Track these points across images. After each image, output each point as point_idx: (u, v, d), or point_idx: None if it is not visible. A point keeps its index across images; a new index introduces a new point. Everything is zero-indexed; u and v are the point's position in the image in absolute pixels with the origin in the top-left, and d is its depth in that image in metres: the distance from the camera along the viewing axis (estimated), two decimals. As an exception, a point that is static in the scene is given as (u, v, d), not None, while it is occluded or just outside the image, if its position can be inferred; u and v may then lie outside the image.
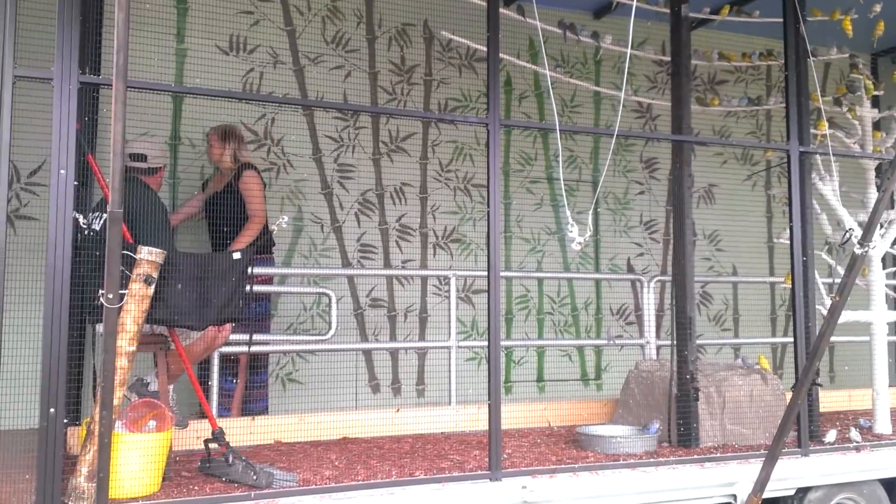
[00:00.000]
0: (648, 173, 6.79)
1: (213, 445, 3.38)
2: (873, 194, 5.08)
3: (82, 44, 3.04)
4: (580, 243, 3.13)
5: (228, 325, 3.81)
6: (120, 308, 2.79)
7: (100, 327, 2.83)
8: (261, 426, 4.09)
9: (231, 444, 3.38)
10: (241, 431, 3.92)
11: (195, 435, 3.61)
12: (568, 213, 3.16)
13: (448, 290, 5.10)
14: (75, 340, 2.90)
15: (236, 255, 3.46)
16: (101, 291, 2.56)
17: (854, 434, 4.45)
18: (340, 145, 5.83)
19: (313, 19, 5.82)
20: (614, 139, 3.55)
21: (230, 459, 3.28)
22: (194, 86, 4.97)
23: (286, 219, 3.55)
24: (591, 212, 3.38)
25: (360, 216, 5.84)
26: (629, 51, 3.89)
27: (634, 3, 3.41)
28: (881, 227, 5.02)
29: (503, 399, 5.73)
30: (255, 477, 3.18)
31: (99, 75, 3.96)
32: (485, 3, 3.81)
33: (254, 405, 4.78)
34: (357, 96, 5.86)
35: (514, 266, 6.24)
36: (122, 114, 2.65)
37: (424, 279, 5.93)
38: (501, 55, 4.27)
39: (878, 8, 5.16)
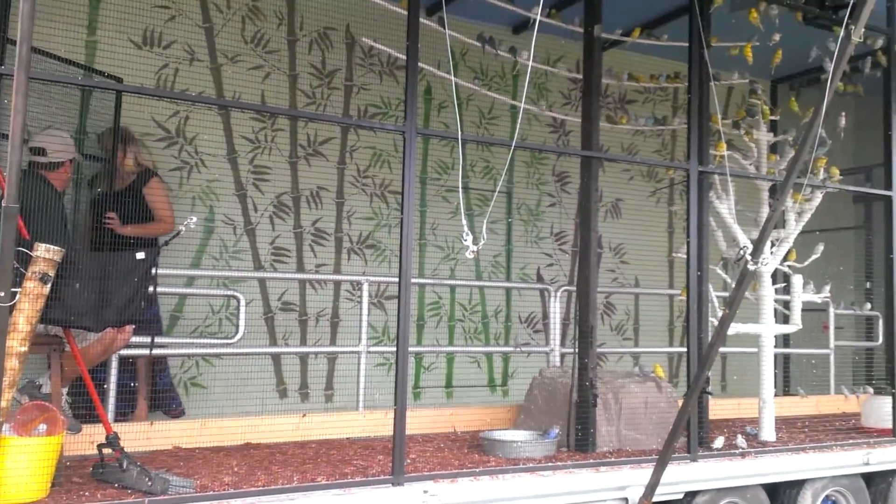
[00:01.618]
0: (560, 186, 7.00)
1: (106, 450, 3.29)
2: (766, 213, 5.38)
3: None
4: (473, 251, 3.22)
5: (129, 327, 3.72)
6: (12, 307, 2.70)
7: None
8: (159, 431, 4.01)
9: (126, 450, 3.31)
10: (139, 437, 3.83)
11: (89, 439, 3.51)
12: (464, 221, 3.24)
13: (361, 296, 5.12)
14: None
15: (140, 255, 3.39)
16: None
17: (740, 441, 4.68)
18: (256, 147, 5.78)
19: (232, 17, 5.76)
20: (512, 150, 3.65)
21: (124, 465, 3.20)
22: (101, 80, 4.88)
23: (194, 219, 3.50)
24: (497, 221, 3.47)
25: (274, 219, 5.80)
26: (529, 64, 4.00)
27: (537, 19, 3.52)
28: (772, 244, 5.33)
29: (411, 405, 5.85)
30: (149, 483, 3.12)
31: (2, 65, 3.81)
32: (406, 13, 3.87)
33: (168, 406, 4.72)
34: (275, 98, 5.82)
35: (428, 273, 6.32)
36: (22, 106, 2.58)
37: (337, 284, 5.94)
38: (421, 65, 4.35)
39: (777, 37, 5.48)
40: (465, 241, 3.21)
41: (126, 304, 3.34)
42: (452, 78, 3.70)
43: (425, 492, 3.53)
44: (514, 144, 3.68)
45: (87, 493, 3.13)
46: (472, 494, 3.63)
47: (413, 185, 3.76)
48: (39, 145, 3.90)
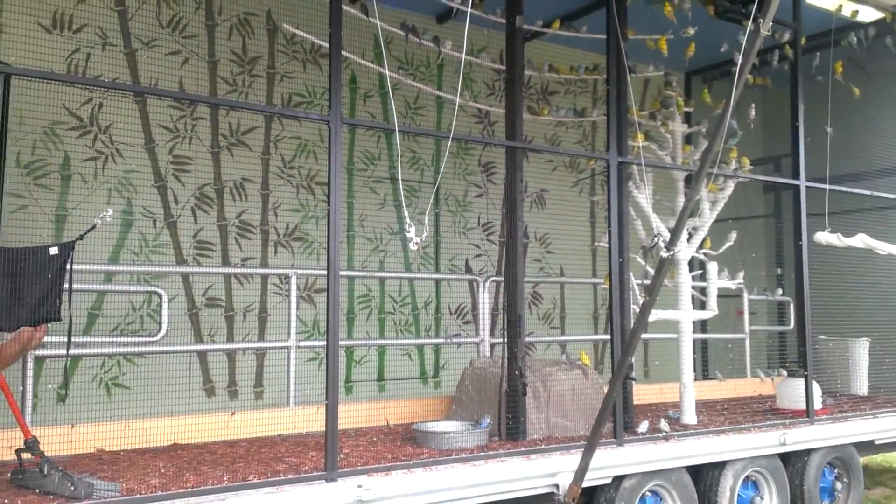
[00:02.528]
0: (486, 177, 7.05)
1: (26, 455, 3.14)
2: (682, 203, 5.56)
3: None
4: (417, 243, 3.21)
5: (44, 326, 3.55)
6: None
7: None
8: (81, 434, 3.85)
9: (46, 454, 3.16)
10: (60, 440, 3.67)
11: (6, 444, 3.35)
12: (406, 213, 3.24)
13: (289, 289, 5.03)
14: None
15: (53, 251, 3.24)
16: None
17: (663, 425, 4.84)
18: (176, 136, 5.58)
19: (147, 1, 5.53)
20: (450, 142, 3.66)
21: (45, 470, 3.07)
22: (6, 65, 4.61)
23: (110, 212, 3.37)
24: (427, 213, 3.48)
25: (196, 211, 5.62)
26: (462, 56, 4.00)
27: (468, 12, 3.52)
28: (689, 233, 5.51)
29: (343, 399, 5.81)
30: (73, 488, 3.00)
31: None
32: (328, -1, 3.81)
33: None
34: (195, 85, 5.64)
35: (357, 265, 6.27)
36: None
37: (265, 278, 5.82)
38: (346, 53, 4.28)
39: (691, 30, 5.65)
40: (408, 232, 3.20)
41: (40, 301, 3.19)
42: (385, 68, 3.66)
43: (359, 486, 3.52)
44: (451, 136, 3.68)
45: (6, 501, 2.98)
46: (405, 487, 3.64)
47: (339, 175, 3.71)
48: None
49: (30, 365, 3.93)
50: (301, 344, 4.95)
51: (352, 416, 4.77)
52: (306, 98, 6.15)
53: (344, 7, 4.03)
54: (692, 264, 5.65)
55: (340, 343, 5.78)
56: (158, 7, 5.57)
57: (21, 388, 3.85)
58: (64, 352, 4.08)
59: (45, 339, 3.87)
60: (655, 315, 5.04)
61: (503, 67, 5.08)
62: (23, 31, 4.91)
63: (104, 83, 4.85)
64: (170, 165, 5.54)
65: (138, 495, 3.10)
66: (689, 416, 5.19)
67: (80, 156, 5.17)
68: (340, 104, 3.75)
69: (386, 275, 6.35)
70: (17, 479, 3.18)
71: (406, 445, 4.29)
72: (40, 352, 3.94)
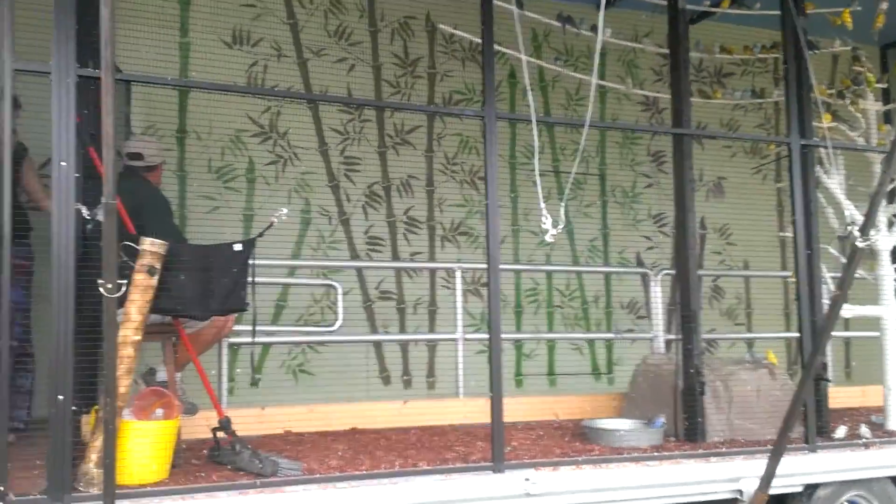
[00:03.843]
0: (656, 166, 6.75)
1: (220, 434, 3.39)
2: (880, 188, 5.04)
3: (82, 37, 3.04)
4: (553, 235, 3.13)
5: (233, 315, 3.82)
6: (121, 298, 2.80)
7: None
8: (270, 416, 4.11)
9: (238, 434, 3.39)
10: (252, 422, 3.94)
11: (205, 423, 3.63)
12: (542, 204, 3.15)
13: (455, 283, 5.09)
14: (86, 330, 2.90)
15: (237, 247, 3.47)
16: (99, 281, 2.57)
17: (864, 430, 4.40)
18: (346, 138, 5.83)
19: (315, 12, 5.82)
20: (586, 129, 3.53)
21: (237, 448, 3.30)
22: (189, 79, 5.03)
23: (285, 211, 3.56)
24: (562, 205, 3.38)
25: (367, 209, 5.84)
26: (599, 41, 3.85)
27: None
28: (890, 220, 4.99)
29: (513, 392, 5.79)
30: (260, 465, 3.19)
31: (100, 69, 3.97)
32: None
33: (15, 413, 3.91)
34: (361, 89, 5.86)
35: (524, 259, 6.22)
36: (111, 107, 2.66)
37: (433, 272, 5.93)
38: (502, 49, 4.26)
39: (884, 5, 5.13)
40: (545, 224, 3.13)
41: (228, 293, 3.42)
42: (524, 58, 3.59)
43: (526, 479, 3.47)
44: (587, 124, 3.54)
45: (203, 475, 3.23)
46: (573, 483, 3.54)
47: (495, 170, 3.68)
48: (136, 150, 4.07)
49: (225, 352, 4.24)
50: (468, 336, 4.98)
51: (521, 409, 4.74)
52: (466, 95, 6.20)
53: (498, 3, 4.02)
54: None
55: (507, 336, 5.85)
56: (326, 18, 5.85)
57: (214, 372, 4.16)
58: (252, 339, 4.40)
59: (237, 327, 4.19)
60: (852, 311, 4.62)
61: (668, 52, 4.86)
62: (208, 47, 5.32)
63: (281, 93, 5.20)
64: (341, 166, 5.79)
65: (318, 475, 3.25)
66: (895, 422, 4.68)
67: (263, 160, 5.52)
68: (494, 100, 3.73)
69: (550, 268, 6.25)
70: (214, 456, 3.44)
71: (575, 441, 4.19)
72: (233, 339, 4.24)
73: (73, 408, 2.80)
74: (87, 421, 2.95)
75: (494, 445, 3.52)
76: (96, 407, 2.93)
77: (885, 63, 7.09)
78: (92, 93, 3.39)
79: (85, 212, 3.06)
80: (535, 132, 3.59)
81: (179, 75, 5.27)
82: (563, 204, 3.40)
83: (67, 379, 2.79)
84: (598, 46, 3.89)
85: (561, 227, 3.20)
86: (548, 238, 3.22)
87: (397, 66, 6.04)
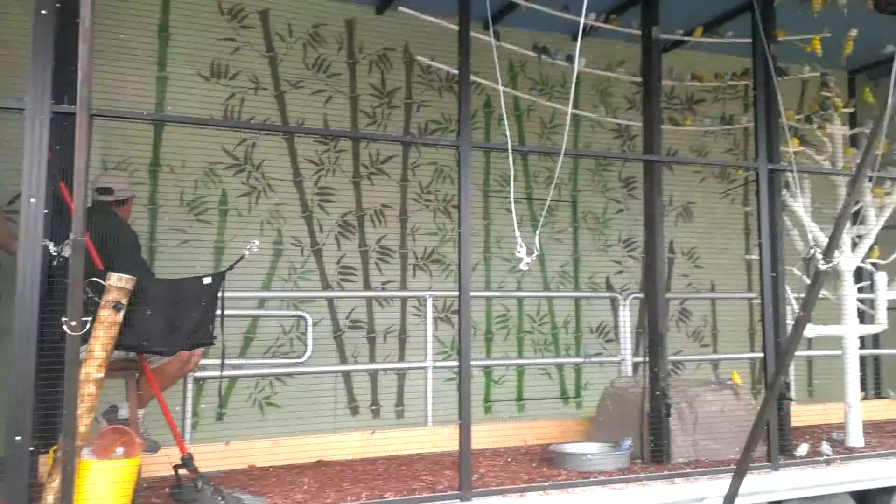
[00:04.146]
0: (627, 192, 6.86)
1: (182, 471, 3.41)
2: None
3: (58, 73, 3.09)
4: (528, 263, 3.20)
5: (199, 350, 3.85)
6: (84, 335, 2.84)
7: None
8: (235, 451, 4.12)
9: (201, 470, 3.41)
10: (216, 457, 3.96)
11: (168, 460, 3.64)
12: (517, 233, 3.23)
13: (426, 311, 5.14)
14: (47, 368, 2.93)
15: (206, 280, 3.51)
16: (63, 319, 2.61)
17: (825, 447, 4.49)
18: (321, 169, 5.90)
19: (294, 45, 5.92)
20: (561, 158, 3.63)
21: (199, 485, 3.31)
22: (166, 113, 5.10)
23: (256, 243, 3.60)
24: (538, 231, 3.44)
25: (340, 238, 5.90)
26: (575, 69, 3.99)
27: (582, 22, 3.48)
28: (854, 242, 5.09)
29: (482, 419, 5.83)
30: (222, 502, 3.21)
31: (75, 105, 4.03)
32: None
33: None
34: (338, 120, 5.94)
35: (495, 285, 6.30)
36: (85, 144, 2.71)
37: (404, 300, 5.99)
38: (477, 79, 4.36)
39: (853, 33, 5.27)
40: (519, 252, 3.20)
41: (195, 327, 3.45)
42: (500, 88, 3.69)
43: (493, 507, 3.51)
44: (562, 152, 3.65)
45: (163, 513, 3.25)
46: (541, 509, 3.58)
47: (469, 199, 3.77)
48: (106, 185, 4.11)
49: (189, 386, 4.27)
50: (438, 364, 5.03)
51: (490, 435, 4.77)
52: (442, 125, 6.30)
53: (476, 35, 4.13)
54: (860, 275, 5.21)
55: (477, 363, 5.90)
56: (305, 50, 5.95)
57: (178, 408, 4.18)
58: (220, 373, 4.43)
59: (204, 361, 4.22)
60: (815, 331, 4.71)
61: (640, 80, 4.98)
62: (186, 81, 5.41)
63: (257, 126, 5.27)
64: (315, 196, 5.86)
65: (281, 509, 3.28)
66: (856, 438, 4.77)
67: (236, 192, 5.59)
68: (469, 129, 3.82)
69: (521, 294, 6.33)
70: (176, 494, 3.44)
71: (543, 466, 4.23)
72: (199, 373, 4.27)
73: (31, 448, 2.81)
74: (45, 462, 2.95)
75: (462, 473, 3.56)
76: (55, 447, 2.94)
77: (852, 88, 7.26)
78: (64, 128, 3.46)
79: (52, 248, 3.10)
80: (510, 162, 3.67)
81: (156, 108, 5.34)
82: (537, 232, 3.47)
83: (26, 418, 2.79)
84: (574, 77, 4.03)
85: (535, 254, 3.28)
86: (522, 266, 3.28)
87: (374, 97, 6.14)
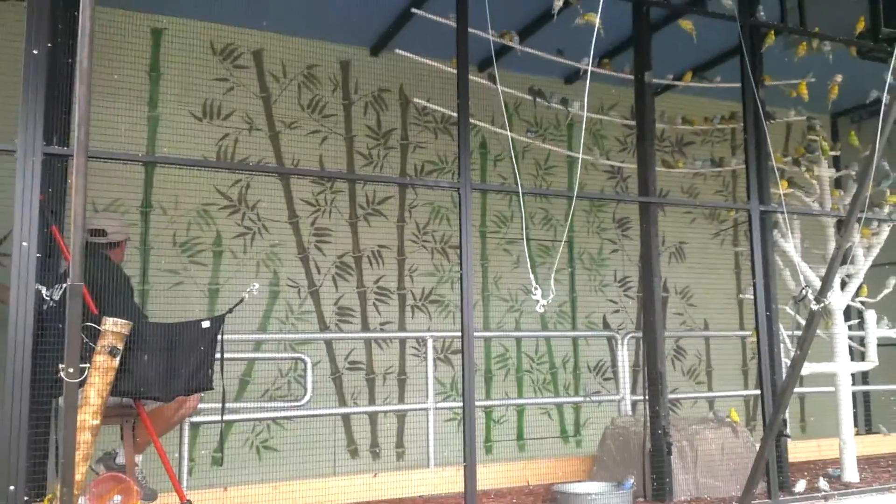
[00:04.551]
0: (621, 232, 6.91)
1: (181, 517, 3.34)
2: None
3: (49, 115, 3.07)
4: (544, 306, 3.21)
5: (197, 395, 3.79)
6: (81, 382, 2.79)
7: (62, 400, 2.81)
8: (233, 496, 4.05)
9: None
10: (215, 502, 3.88)
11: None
12: (532, 277, 3.24)
13: (426, 352, 5.11)
14: (39, 415, 2.87)
15: (205, 324, 3.48)
16: (60, 366, 2.56)
17: (822, 483, 4.53)
18: (317, 209, 5.91)
19: (289, 85, 5.96)
20: (574, 200, 3.65)
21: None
22: (160, 155, 5.10)
23: (257, 286, 3.58)
24: (553, 272, 3.46)
25: (337, 279, 5.89)
26: (584, 114, 4.03)
27: (588, 70, 3.54)
28: (843, 281, 5.15)
29: (483, 459, 5.76)
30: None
31: (66, 146, 4.01)
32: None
33: None
34: (334, 160, 5.96)
35: (493, 325, 6.28)
36: (82, 187, 2.68)
37: (403, 341, 5.95)
38: (475, 121, 4.41)
39: (838, 78, 5.40)
40: (535, 295, 3.21)
41: (193, 372, 3.41)
42: (509, 134, 3.72)
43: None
44: (575, 195, 3.68)
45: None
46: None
47: (471, 239, 3.79)
48: (100, 227, 4.04)
49: (186, 431, 4.20)
50: (439, 405, 4.99)
51: (492, 476, 4.71)
52: (438, 165, 6.34)
53: (472, 77, 4.19)
54: (849, 313, 5.26)
55: (478, 403, 5.86)
56: (299, 91, 5.99)
57: (177, 455, 4.11)
58: (218, 417, 4.36)
59: (201, 406, 4.15)
60: (809, 368, 4.73)
61: (634, 123, 5.05)
62: (177, 121, 5.39)
63: (251, 167, 5.27)
64: (312, 237, 5.85)
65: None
66: (851, 474, 4.80)
67: (231, 233, 5.57)
68: (469, 171, 3.85)
69: (521, 334, 6.32)
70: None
71: (545, 509, 4.17)
72: (196, 418, 4.21)
73: (25, 498, 2.75)
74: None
75: (467, 515, 3.51)
76: (49, 496, 2.88)
77: (835, 131, 7.40)
78: (56, 170, 3.43)
79: (45, 292, 3.06)
80: (521, 205, 3.70)
81: (147, 149, 5.32)
82: (552, 275, 3.48)
83: (20, 468, 2.73)
84: (584, 122, 4.10)
85: (551, 297, 3.29)
86: (538, 309, 3.30)
87: (370, 138, 6.17)
